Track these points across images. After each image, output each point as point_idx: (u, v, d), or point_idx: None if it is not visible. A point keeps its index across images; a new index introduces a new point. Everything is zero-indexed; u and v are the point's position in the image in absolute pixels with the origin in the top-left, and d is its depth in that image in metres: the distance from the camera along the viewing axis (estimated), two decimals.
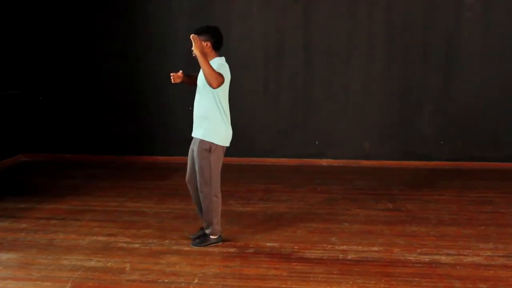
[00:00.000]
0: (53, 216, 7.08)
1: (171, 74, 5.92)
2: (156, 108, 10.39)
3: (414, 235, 6.34)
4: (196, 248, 5.93)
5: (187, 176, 6.14)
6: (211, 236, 6.00)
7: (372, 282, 5.05)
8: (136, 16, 10.27)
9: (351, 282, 5.03)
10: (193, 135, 5.96)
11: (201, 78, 5.77)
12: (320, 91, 10.09)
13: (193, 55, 5.62)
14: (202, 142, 5.80)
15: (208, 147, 5.79)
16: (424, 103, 9.95)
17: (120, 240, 6.21)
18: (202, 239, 6.03)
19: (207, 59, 5.55)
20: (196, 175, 5.94)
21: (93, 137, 10.58)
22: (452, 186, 8.57)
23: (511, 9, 9.63)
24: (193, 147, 5.95)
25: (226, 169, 9.68)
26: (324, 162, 10.15)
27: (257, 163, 9.91)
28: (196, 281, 5.10)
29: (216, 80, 5.47)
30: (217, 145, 5.81)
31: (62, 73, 10.51)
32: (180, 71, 6.00)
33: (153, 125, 10.44)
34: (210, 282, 5.08)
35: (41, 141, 10.70)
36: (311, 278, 5.15)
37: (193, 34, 5.61)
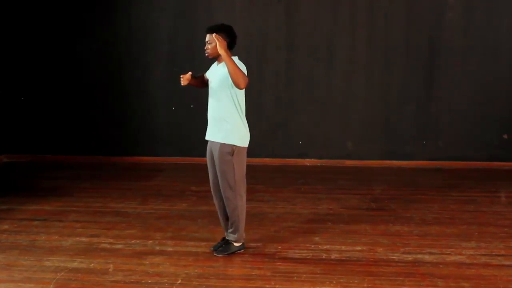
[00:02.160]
0: (35, 217, 7.03)
1: (181, 76, 5.63)
2: (139, 108, 10.36)
3: (397, 234, 6.37)
4: (181, 249, 5.91)
5: (211, 185, 5.85)
6: (235, 244, 5.77)
7: (356, 281, 5.06)
8: (118, 16, 10.24)
9: (334, 282, 5.04)
10: (210, 138, 5.70)
11: (217, 79, 5.56)
12: (303, 91, 10.10)
13: (206, 54, 5.54)
14: (223, 145, 5.56)
15: (230, 150, 5.55)
16: (406, 103, 9.99)
17: (103, 241, 6.18)
18: (225, 246, 5.79)
19: (232, 58, 5.33)
20: (219, 183, 5.69)
21: (76, 138, 10.53)
22: (434, 186, 8.61)
23: (492, 9, 9.70)
24: (214, 152, 5.68)
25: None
26: (307, 162, 10.16)
27: None
28: (179, 281, 5.09)
29: (243, 80, 5.29)
30: (239, 147, 5.60)
31: (44, 73, 10.45)
32: (189, 72, 5.72)
33: (137, 125, 10.41)
34: (194, 283, 5.07)
35: (23, 142, 10.63)
36: (295, 278, 5.15)
37: (215, 34, 5.40)
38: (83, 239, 6.25)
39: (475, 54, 9.80)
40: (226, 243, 5.82)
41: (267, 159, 10.20)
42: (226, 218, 5.84)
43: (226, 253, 5.72)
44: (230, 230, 5.78)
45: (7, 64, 10.47)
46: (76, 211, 7.32)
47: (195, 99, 9.77)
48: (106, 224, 6.79)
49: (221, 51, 5.30)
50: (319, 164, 10.11)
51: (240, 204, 5.70)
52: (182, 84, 5.66)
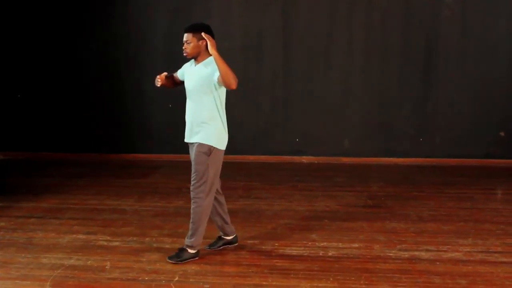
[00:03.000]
0: (32, 215, 7.03)
1: (157, 77, 5.54)
2: (136, 106, 10.36)
3: (393, 231, 6.37)
4: (178, 247, 5.90)
5: None
6: (190, 250, 5.53)
7: (353, 278, 5.06)
8: (115, 15, 10.24)
9: (331, 279, 5.04)
10: (189, 140, 5.56)
11: (197, 81, 5.42)
12: (300, 89, 10.11)
13: (185, 54, 5.44)
14: (200, 145, 5.41)
15: (207, 150, 5.39)
16: (403, 101, 10.01)
17: (100, 238, 6.17)
18: (179, 252, 5.55)
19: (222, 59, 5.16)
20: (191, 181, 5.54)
21: (72, 135, 10.52)
22: (431, 183, 8.63)
23: (488, 8, 9.72)
24: (191, 153, 5.57)
25: None
26: (304, 159, 10.17)
27: (237, 161, 9.89)
28: (176, 278, 5.09)
29: (234, 80, 5.09)
30: (216, 148, 5.43)
31: (41, 71, 10.44)
32: (165, 73, 5.66)
33: (133, 123, 10.41)
34: (191, 280, 5.07)
35: (20, 139, 10.62)
36: (292, 275, 5.15)
37: (203, 33, 5.31)
38: (80, 236, 6.24)
39: (472, 53, 9.83)
40: (180, 248, 5.61)
41: (264, 156, 10.20)
42: (221, 217, 5.81)
43: (179, 260, 5.47)
44: (189, 234, 5.56)
45: (3, 61, 10.45)
46: (73, 209, 7.31)
47: None
48: (103, 221, 6.79)
49: (212, 51, 5.19)
50: (316, 162, 10.13)
51: (206, 207, 5.51)
52: (158, 85, 5.55)
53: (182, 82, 5.72)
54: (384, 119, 10.08)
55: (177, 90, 9.95)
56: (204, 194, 5.46)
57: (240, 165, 9.74)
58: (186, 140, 5.62)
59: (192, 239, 5.52)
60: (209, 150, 5.41)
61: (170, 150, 10.17)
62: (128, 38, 10.26)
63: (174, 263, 5.43)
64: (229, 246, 5.88)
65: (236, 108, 10.10)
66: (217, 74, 5.25)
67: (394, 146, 10.09)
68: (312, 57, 10.02)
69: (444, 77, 9.91)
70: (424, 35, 9.88)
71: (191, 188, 5.49)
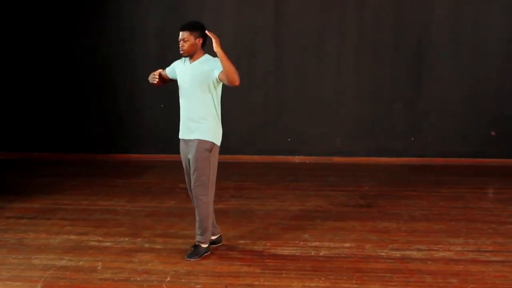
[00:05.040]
0: (23, 215, 7.00)
1: (153, 74, 5.58)
2: (127, 106, 10.36)
3: (385, 231, 6.38)
4: (170, 247, 5.90)
5: (188, 184, 5.71)
6: (202, 245, 5.62)
7: (344, 278, 5.06)
8: (107, 14, 10.22)
9: (323, 278, 5.05)
10: (185, 137, 5.56)
11: (194, 79, 5.43)
12: (292, 88, 10.12)
13: (182, 51, 5.43)
14: (201, 142, 5.43)
15: (208, 147, 5.43)
16: (396, 100, 10.03)
17: (92, 239, 6.16)
18: (195, 250, 5.62)
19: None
20: (192, 181, 5.55)
21: (64, 136, 10.51)
22: (423, 182, 8.65)
23: (480, 7, 9.76)
24: (188, 151, 5.54)
25: None
26: (297, 159, 10.18)
27: (229, 160, 9.87)
28: (168, 279, 5.08)
29: (237, 76, 5.17)
30: (215, 145, 5.50)
31: (33, 72, 10.43)
32: (159, 70, 5.68)
33: (126, 123, 10.40)
34: (183, 280, 5.06)
35: (12, 139, 10.59)
36: (284, 275, 5.15)
37: (207, 31, 5.33)
38: (72, 237, 6.23)
39: (463, 52, 9.86)
40: (194, 246, 5.66)
41: (256, 156, 10.21)
42: None
43: (197, 257, 5.55)
44: (199, 232, 5.61)
45: None
46: (64, 209, 7.29)
47: None
48: (95, 221, 6.77)
49: (217, 48, 5.20)
50: (308, 161, 10.14)
51: (210, 202, 5.59)
52: (155, 82, 5.58)
53: (170, 80, 5.76)
54: (376, 118, 10.10)
55: (170, 90, 10.00)
56: (208, 190, 5.53)
57: (232, 165, 9.73)
58: (182, 137, 5.61)
59: (204, 235, 5.62)
60: (210, 147, 5.47)
61: (162, 150, 10.16)
62: (120, 37, 10.24)
63: (193, 260, 5.50)
64: (217, 245, 5.88)
65: (228, 107, 10.10)
66: (216, 71, 5.31)
67: (386, 145, 10.11)
68: (305, 56, 10.03)
69: (436, 77, 9.94)
70: (415, 34, 9.91)
71: (194, 185, 5.51)
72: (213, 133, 5.49)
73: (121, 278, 5.11)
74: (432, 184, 8.55)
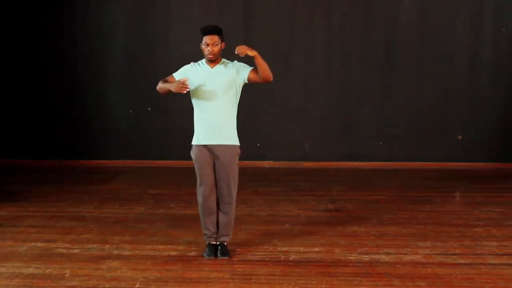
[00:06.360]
0: None
1: (182, 83, 5.33)
2: (96, 112, 10.28)
3: (354, 235, 6.41)
4: (138, 253, 5.86)
5: (209, 191, 5.67)
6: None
7: (314, 282, 5.08)
8: (75, 17, 10.13)
9: (293, 283, 5.05)
10: (212, 142, 5.53)
11: (222, 82, 5.49)
12: (260, 93, 10.11)
13: (211, 56, 5.46)
14: (234, 147, 5.60)
15: (239, 151, 5.65)
16: (363, 105, 10.09)
17: (60, 246, 6.09)
18: (226, 250, 5.72)
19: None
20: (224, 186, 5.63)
21: (31, 142, 10.39)
22: (391, 186, 8.72)
23: (447, 11, 9.88)
24: (216, 156, 5.55)
25: (168, 172, 9.67)
26: (266, 164, 10.19)
27: None
28: (137, 285, 5.05)
29: (271, 73, 5.49)
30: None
31: None
32: (185, 77, 5.45)
33: (94, 129, 10.32)
34: (152, 286, 5.03)
35: None
36: (253, 280, 5.15)
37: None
38: (39, 244, 6.15)
39: (431, 57, 9.97)
40: (222, 246, 5.73)
41: None
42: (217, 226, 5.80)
43: (229, 255, 5.69)
44: (229, 233, 5.77)
45: None
46: (31, 216, 7.20)
47: (152, 102, 9.75)
48: (63, 228, 6.70)
49: (253, 52, 5.37)
50: (277, 166, 10.15)
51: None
52: (184, 92, 5.39)
53: None
54: (345, 123, 10.16)
55: (138, 95, 10.02)
56: (235, 194, 5.73)
57: None
58: (206, 143, 5.55)
59: (229, 236, 5.80)
60: (239, 151, 5.65)
61: (131, 156, 10.10)
62: (88, 42, 10.16)
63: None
64: (191, 252, 5.88)
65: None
66: (245, 72, 5.53)
67: (354, 150, 10.17)
68: (273, 61, 9.97)
69: (403, 82, 10.04)
70: (383, 40, 10.00)
71: (229, 190, 5.65)
72: (237, 136, 5.63)
73: (89, 286, 5.06)
74: (400, 188, 8.63)
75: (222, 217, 5.73)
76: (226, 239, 5.77)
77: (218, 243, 5.75)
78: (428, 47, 9.98)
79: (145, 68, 10.02)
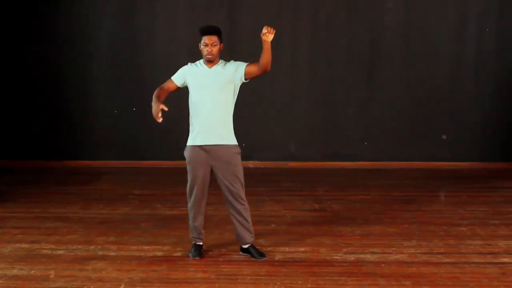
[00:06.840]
0: None
1: (156, 114, 5.39)
2: (80, 112, 10.24)
3: (340, 234, 6.43)
4: (123, 254, 5.84)
5: (201, 192, 5.79)
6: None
7: (299, 282, 5.08)
8: (59, 18, 10.08)
9: (278, 283, 5.05)
10: (208, 142, 5.58)
11: (221, 82, 5.55)
12: (246, 93, 10.07)
13: (210, 56, 5.48)
14: (234, 147, 5.66)
15: (239, 150, 5.69)
16: (349, 105, 10.12)
17: (44, 247, 6.06)
18: (257, 249, 5.73)
19: None
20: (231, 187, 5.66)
21: (16, 142, 10.33)
22: (376, 186, 8.75)
23: (431, 11, 9.93)
24: (212, 157, 5.59)
25: (153, 173, 9.65)
26: (251, 164, 10.18)
27: (183, 166, 9.81)
28: (122, 286, 5.03)
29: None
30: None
31: None
32: (161, 106, 5.41)
33: (78, 130, 10.28)
34: (137, 287, 5.02)
35: None
36: (239, 280, 5.14)
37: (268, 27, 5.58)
38: (23, 245, 6.12)
39: (415, 57, 10.02)
40: (253, 247, 5.71)
41: None
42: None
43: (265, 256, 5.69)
44: (252, 234, 5.73)
45: None
46: (15, 217, 7.17)
47: (137, 102, 9.72)
48: (47, 229, 6.66)
49: (270, 38, 5.66)
50: (262, 166, 10.15)
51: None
52: (160, 120, 5.42)
53: (178, 88, 5.73)
54: (330, 123, 10.18)
55: (123, 96, 9.98)
56: (244, 194, 5.73)
57: (185, 171, 9.65)
58: (202, 143, 5.59)
59: (253, 233, 5.75)
60: (240, 150, 5.69)
61: (115, 157, 10.06)
62: (73, 43, 10.12)
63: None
64: (177, 252, 5.86)
65: (181, 113, 10.07)
66: (242, 67, 5.61)
67: (339, 150, 10.19)
68: (258, 60, 10.02)
69: (388, 82, 10.07)
70: (368, 39, 10.04)
71: (235, 191, 5.68)
72: (235, 136, 5.71)
73: (74, 287, 5.04)
74: (385, 187, 8.66)
75: (238, 219, 5.70)
76: (251, 240, 5.73)
77: (246, 247, 5.73)
78: (413, 48, 10.03)
79: (130, 68, 10.01)
